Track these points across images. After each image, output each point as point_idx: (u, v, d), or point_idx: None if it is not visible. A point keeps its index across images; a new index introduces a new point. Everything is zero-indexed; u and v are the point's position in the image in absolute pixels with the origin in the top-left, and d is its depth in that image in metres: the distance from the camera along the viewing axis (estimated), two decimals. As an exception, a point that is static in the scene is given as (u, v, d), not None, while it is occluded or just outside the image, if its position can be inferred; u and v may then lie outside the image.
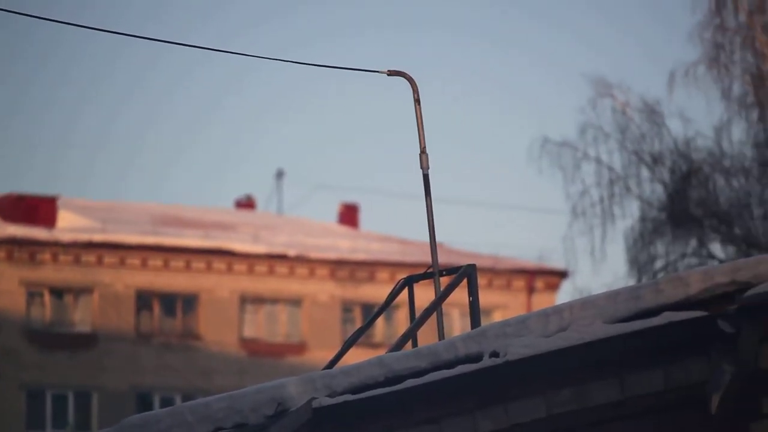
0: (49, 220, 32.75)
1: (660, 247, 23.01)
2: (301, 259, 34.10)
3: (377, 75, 6.33)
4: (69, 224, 32.90)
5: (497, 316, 32.08)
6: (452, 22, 54.75)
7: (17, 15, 5.98)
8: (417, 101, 6.36)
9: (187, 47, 6.51)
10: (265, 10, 53.98)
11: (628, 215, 23.60)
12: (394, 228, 56.49)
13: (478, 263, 6.46)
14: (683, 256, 22.87)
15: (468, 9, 54.15)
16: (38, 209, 32.72)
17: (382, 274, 34.42)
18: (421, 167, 6.36)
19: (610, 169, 23.76)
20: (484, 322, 5.80)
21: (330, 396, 5.17)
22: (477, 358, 4.89)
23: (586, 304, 4.86)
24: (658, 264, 22.91)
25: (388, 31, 55.63)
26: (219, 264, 33.55)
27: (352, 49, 51.63)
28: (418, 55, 50.46)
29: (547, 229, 52.65)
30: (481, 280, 34.03)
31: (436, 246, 6.44)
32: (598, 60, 55.01)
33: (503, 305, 33.90)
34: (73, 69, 51.12)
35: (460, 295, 6.21)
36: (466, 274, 6.03)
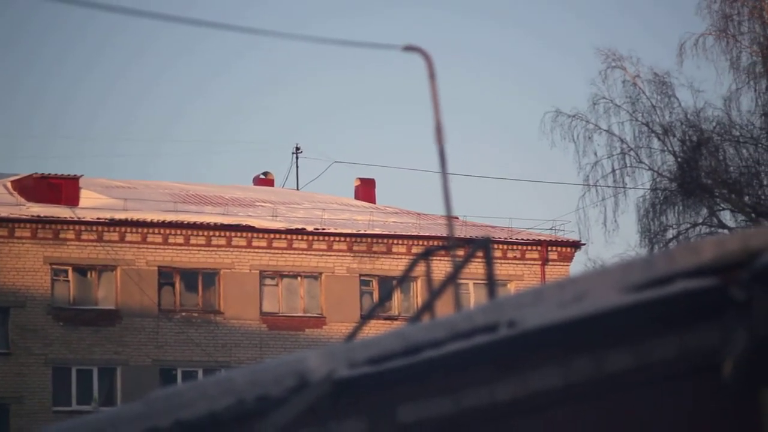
0: (72, 199, 32.97)
1: (671, 217, 23.12)
2: (318, 234, 34.20)
3: (393, 50, 6.38)
4: (91, 203, 33.11)
5: (512, 288, 32.15)
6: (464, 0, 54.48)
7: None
8: (432, 76, 6.40)
9: (215, 27, 6.56)
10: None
11: (640, 186, 23.69)
12: (410, 202, 56.54)
13: (493, 235, 6.55)
14: (694, 225, 22.95)
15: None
16: (61, 189, 32.96)
17: (399, 248, 34.49)
18: (437, 142, 6.41)
19: (622, 140, 23.86)
20: (500, 293, 5.87)
21: (350, 368, 5.25)
22: (494, 328, 4.96)
23: (600, 273, 4.92)
24: (670, 233, 23.00)
25: (401, 9, 55.39)
26: (239, 240, 33.70)
27: (368, 25, 51.47)
28: (432, 32, 50.34)
29: (560, 200, 52.64)
30: (496, 252, 34.11)
31: (452, 219, 6.51)
32: (608, 32, 54.88)
33: (518, 276, 33.95)
34: (96, 54, 51.16)
35: (475, 267, 6.29)
36: (482, 246, 6.10)
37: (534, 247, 34.81)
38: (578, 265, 35.39)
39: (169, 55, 55.10)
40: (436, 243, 30.77)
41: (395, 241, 34.52)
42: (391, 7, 55.50)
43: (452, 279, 5.98)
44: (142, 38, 53.62)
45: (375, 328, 22.94)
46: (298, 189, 39.97)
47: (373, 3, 57.05)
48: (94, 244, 32.25)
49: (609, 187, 23.95)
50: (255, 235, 33.68)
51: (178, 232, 33.06)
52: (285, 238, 33.94)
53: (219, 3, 52.81)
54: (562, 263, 35.05)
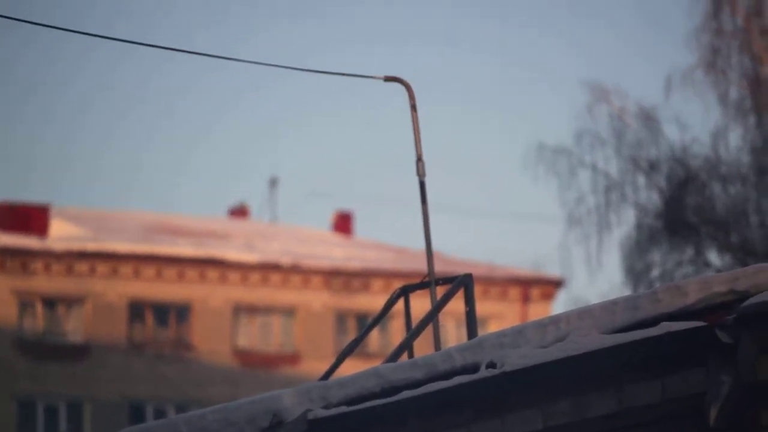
0: (42, 229, 32.63)
1: (656, 255, 22.81)
2: (294, 269, 34.00)
3: (373, 81, 6.30)
4: (61, 233, 32.79)
5: (492, 326, 31.98)
6: (447, 30, 54.79)
7: (17, 21, 5.95)
8: (413, 107, 6.32)
9: (183, 53, 6.49)
10: (261, 21, 54.08)
11: (624, 223, 23.42)
12: (388, 236, 56.43)
13: (474, 272, 6.42)
14: (679, 264, 22.68)
15: (462, 17, 54.22)
16: (31, 218, 32.61)
17: (377, 283, 34.31)
18: (418, 174, 6.33)
19: (606, 175, 23.57)
20: (480, 331, 5.76)
21: (325, 407, 5.13)
22: (474, 368, 4.85)
23: (583, 314, 4.82)
24: (655, 272, 22.69)
25: (382, 40, 55.67)
26: (212, 273, 33.44)
27: (346, 60, 51.59)
28: (414, 64, 50.51)
29: (542, 237, 52.67)
30: (477, 290, 33.55)
31: (432, 255, 6.40)
32: (595, 65, 55.05)
33: (499, 315, 33.79)
34: (68, 78, 51.13)
35: (455, 304, 6.18)
36: (463, 283, 5.99)
37: (515, 285, 34.69)
38: (561, 303, 35.17)
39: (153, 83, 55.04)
40: (415, 279, 30.56)
41: (373, 277, 34.35)
42: (371, 44, 55.68)
43: (432, 317, 5.87)
44: (138, 72, 53.57)
45: (352, 367, 22.62)
46: (273, 222, 39.86)
47: (351, 41, 57.26)
48: (64, 275, 31.95)
49: (593, 224, 23.63)
50: (229, 268, 33.46)
51: (150, 264, 32.82)
52: (260, 273, 33.74)
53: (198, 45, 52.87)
54: (544, 301, 34.91)
